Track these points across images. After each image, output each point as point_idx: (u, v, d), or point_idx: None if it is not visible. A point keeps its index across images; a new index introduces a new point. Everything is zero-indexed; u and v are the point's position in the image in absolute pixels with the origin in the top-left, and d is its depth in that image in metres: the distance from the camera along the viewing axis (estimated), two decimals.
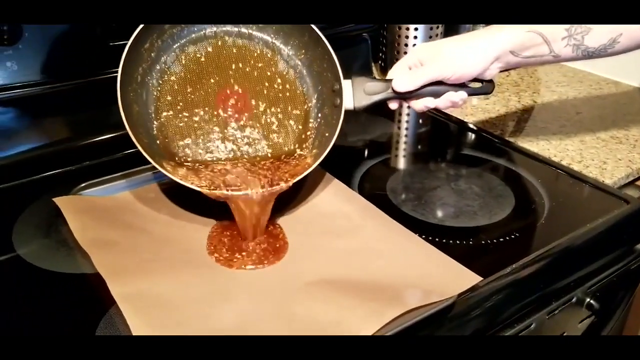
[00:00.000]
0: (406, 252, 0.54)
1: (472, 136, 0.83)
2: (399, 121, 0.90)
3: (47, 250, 0.55)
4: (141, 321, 0.44)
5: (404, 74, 0.62)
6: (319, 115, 0.64)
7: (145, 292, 0.47)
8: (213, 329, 0.45)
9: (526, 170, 0.72)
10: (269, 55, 0.64)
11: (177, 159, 0.60)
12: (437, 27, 0.96)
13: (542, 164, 0.74)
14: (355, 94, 0.62)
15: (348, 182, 0.67)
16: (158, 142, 0.60)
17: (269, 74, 0.64)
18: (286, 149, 0.63)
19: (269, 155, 0.62)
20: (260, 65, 0.64)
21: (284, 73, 0.64)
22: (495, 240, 0.58)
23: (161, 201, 0.62)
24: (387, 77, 0.63)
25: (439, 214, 0.63)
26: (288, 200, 0.63)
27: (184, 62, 0.62)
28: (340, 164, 0.70)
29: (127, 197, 0.62)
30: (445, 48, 0.61)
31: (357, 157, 0.76)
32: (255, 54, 0.64)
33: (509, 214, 0.63)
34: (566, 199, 0.67)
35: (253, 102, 0.63)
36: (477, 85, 0.64)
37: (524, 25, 0.59)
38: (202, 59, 0.62)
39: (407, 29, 0.95)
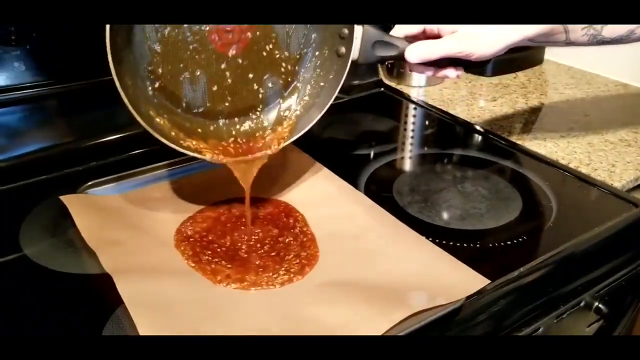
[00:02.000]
0: (413, 254, 0.54)
1: (479, 138, 0.83)
2: (405, 122, 0.90)
3: (54, 250, 0.55)
4: (148, 321, 0.44)
5: (420, 44, 0.58)
6: (316, 53, 0.59)
7: (153, 292, 0.47)
8: (220, 330, 0.45)
9: (534, 172, 0.71)
10: None
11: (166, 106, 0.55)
12: None
13: (549, 166, 0.73)
14: (362, 46, 0.57)
15: (354, 183, 0.67)
16: (149, 86, 0.54)
17: None
18: (281, 82, 0.59)
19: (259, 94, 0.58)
20: None
21: None
22: (502, 244, 0.58)
23: (167, 200, 0.62)
24: (396, 32, 0.59)
25: (446, 216, 0.62)
26: (292, 201, 0.63)
27: None
28: (346, 165, 0.70)
29: (132, 196, 0.62)
30: (466, 26, 0.58)
31: (363, 158, 0.76)
32: None
33: (517, 216, 0.62)
34: (574, 202, 0.67)
35: (248, 33, 0.57)
36: None
37: None
38: None
39: None
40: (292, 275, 0.52)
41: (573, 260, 0.57)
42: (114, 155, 0.71)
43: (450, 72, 0.61)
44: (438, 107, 0.91)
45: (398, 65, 1.00)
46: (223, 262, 0.53)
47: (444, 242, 0.57)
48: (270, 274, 0.52)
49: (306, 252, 0.55)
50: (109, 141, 0.72)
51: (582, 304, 0.60)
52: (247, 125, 0.60)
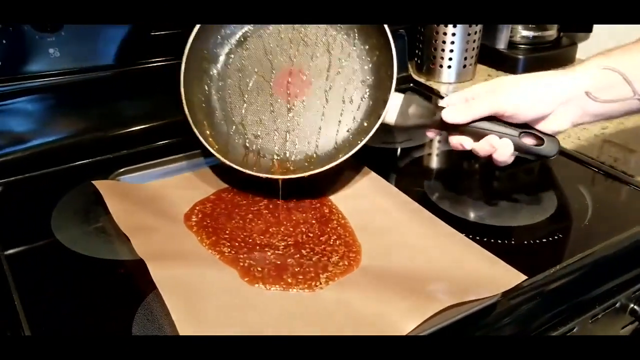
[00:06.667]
0: (449, 248, 0.53)
1: None
2: None
3: (86, 235, 0.56)
4: (181, 305, 0.44)
5: (458, 106, 0.57)
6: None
7: (186, 278, 0.47)
8: (252, 317, 0.44)
9: (567, 170, 0.70)
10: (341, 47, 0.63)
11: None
12: (476, 26, 0.94)
13: (583, 164, 0.72)
14: (401, 111, 0.59)
15: (384, 178, 0.66)
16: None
17: (332, 64, 0.63)
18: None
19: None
20: (324, 56, 0.64)
21: (352, 69, 0.63)
22: (537, 241, 0.56)
23: (197, 190, 0.62)
24: (440, 104, 0.59)
25: (479, 212, 0.61)
26: (325, 194, 0.63)
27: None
28: (374, 160, 0.69)
29: (163, 185, 0.62)
30: (508, 82, 0.56)
31: (391, 153, 0.75)
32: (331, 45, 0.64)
33: (552, 214, 0.61)
34: (609, 200, 0.65)
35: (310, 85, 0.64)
36: (533, 142, 0.57)
37: (600, 61, 0.54)
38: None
39: (445, 26, 0.94)
40: (336, 278, 0.49)
41: (610, 260, 0.56)
42: (145, 144, 0.72)
43: (494, 140, 0.57)
44: None
45: (427, 62, 0.99)
46: (252, 262, 0.51)
47: (477, 237, 0.56)
48: (312, 283, 0.49)
49: (354, 254, 0.53)
50: (141, 130, 0.73)
51: (617, 305, 0.58)
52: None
